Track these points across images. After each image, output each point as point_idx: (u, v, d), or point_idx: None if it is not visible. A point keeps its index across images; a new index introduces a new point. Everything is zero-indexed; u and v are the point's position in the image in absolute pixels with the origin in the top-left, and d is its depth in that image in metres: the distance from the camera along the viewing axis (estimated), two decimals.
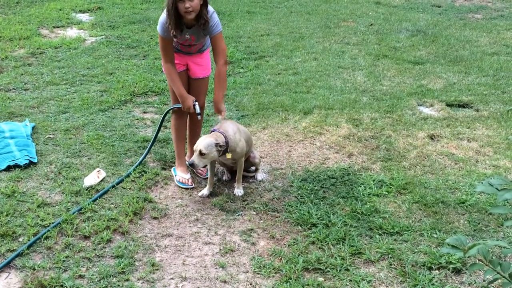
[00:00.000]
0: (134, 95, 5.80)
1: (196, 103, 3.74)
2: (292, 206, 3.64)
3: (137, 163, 4.11)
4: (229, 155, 3.61)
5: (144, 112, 5.42)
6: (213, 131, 3.63)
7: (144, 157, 4.17)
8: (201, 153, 3.46)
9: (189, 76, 3.81)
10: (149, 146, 4.20)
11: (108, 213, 3.49)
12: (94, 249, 3.15)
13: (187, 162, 4.16)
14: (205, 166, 3.68)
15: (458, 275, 3.00)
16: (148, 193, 3.80)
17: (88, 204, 3.55)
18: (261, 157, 4.37)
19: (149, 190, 3.87)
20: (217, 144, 3.48)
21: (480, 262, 1.76)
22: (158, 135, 4.31)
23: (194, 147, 3.53)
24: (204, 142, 3.49)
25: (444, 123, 5.01)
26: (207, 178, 3.91)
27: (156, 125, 4.96)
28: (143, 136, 4.74)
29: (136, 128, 5.01)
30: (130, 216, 3.47)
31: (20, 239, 3.21)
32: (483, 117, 5.15)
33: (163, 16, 3.52)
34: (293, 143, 4.70)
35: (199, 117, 3.81)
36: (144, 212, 3.56)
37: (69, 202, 3.59)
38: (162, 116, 4.08)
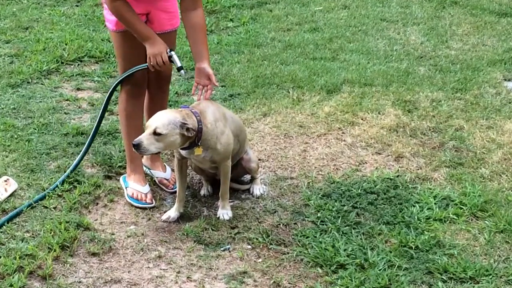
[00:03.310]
0: (62, 63, 5.78)
1: (173, 52, 3.77)
2: (307, 237, 3.63)
3: (68, 170, 4.10)
4: (198, 151, 3.62)
5: (78, 89, 5.40)
6: (182, 108, 3.65)
7: (80, 160, 4.17)
8: (155, 132, 3.47)
9: None
10: (87, 143, 4.20)
11: (22, 246, 3.47)
12: None
13: (145, 169, 4.19)
14: (158, 153, 3.66)
15: None
16: (83, 216, 3.79)
17: None
18: (259, 160, 4.35)
19: (85, 210, 3.86)
20: (183, 125, 3.49)
21: None
22: (101, 125, 4.31)
23: (148, 122, 3.53)
24: (163, 116, 3.51)
25: None
26: (176, 192, 3.90)
27: (97, 110, 4.95)
28: (76, 126, 4.71)
29: (66, 113, 4.98)
30: (55, 251, 3.45)
31: None
32: None
33: None
34: (310, 139, 4.68)
35: (182, 72, 3.83)
36: (78, 245, 3.55)
37: None
38: (108, 94, 4.08)
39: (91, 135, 4.18)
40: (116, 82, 3.97)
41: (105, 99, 4.09)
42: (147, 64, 3.75)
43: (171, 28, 3.91)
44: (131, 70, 3.86)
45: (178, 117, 3.48)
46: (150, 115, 3.89)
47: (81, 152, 4.18)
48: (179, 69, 3.80)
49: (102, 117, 4.15)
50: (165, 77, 4.02)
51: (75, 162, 4.16)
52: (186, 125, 3.48)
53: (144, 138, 3.46)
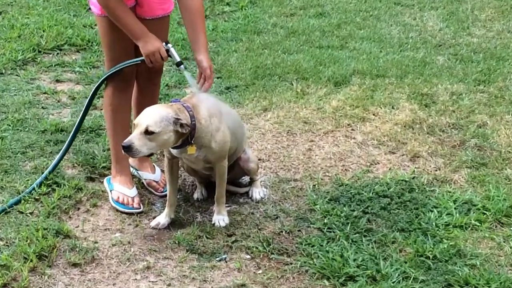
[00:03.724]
0: (39, 51, 5.77)
1: (170, 45, 3.77)
2: (313, 245, 3.63)
3: (46, 171, 4.10)
4: (191, 149, 3.61)
5: (57, 81, 5.39)
6: (173, 102, 3.65)
7: (59, 160, 4.16)
8: (147, 131, 3.46)
9: (139, 17, 3.81)
10: (67, 141, 4.18)
11: None
12: None
13: (132, 170, 4.17)
14: (150, 155, 3.66)
15: None
16: (63, 222, 3.78)
17: None
18: (259, 160, 4.35)
19: (65, 216, 3.86)
20: (177, 120, 3.48)
21: None
22: (83, 121, 4.30)
23: (136, 120, 3.52)
24: (154, 113, 3.49)
25: None
26: (166, 195, 3.90)
27: (78, 104, 4.94)
28: (55, 122, 4.71)
29: (44, 108, 4.98)
30: (32, 261, 3.44)
31: None
32: None
33: None
34: (316, 136, 4.68)
35: (182, 67, 3.82)
36: (57, 255, 3.54)
37: None
38: (93, 89, 4.05)
39: (72, 132, 4.16)
40: (105, 77, 3.95)
41: (90, 94, 4.07)
42: (142, 58, 3.74)
43: (163, 13, 3.89)
44: (123, 64, 3.83)
45: (170, 113, 3.47)
46: (139, 110, 3.88)
47: (61, 151, 4.16)
48: (178, 64, 3.79)
49: (85, 112, 4.13)
50: (156, 68, 4.00)
51: (53, 162, 4.14)
52: (180, 120, 3.46)
53: (135, 138, 3.43)
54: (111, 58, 3.90)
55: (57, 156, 4.16)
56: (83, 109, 4.11)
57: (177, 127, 3.46)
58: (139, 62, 3.79)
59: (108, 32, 3.83)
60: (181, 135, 3.52)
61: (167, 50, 3.73)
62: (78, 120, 4.14)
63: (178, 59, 3.78)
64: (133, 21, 3.68)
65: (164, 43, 3.73)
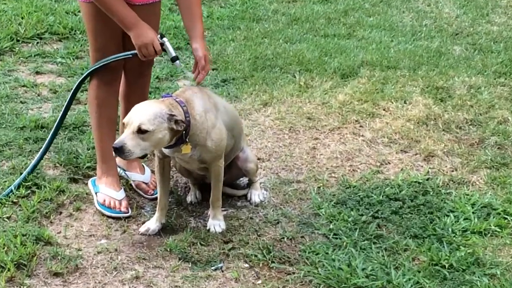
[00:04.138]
0: (17, 40, 5.76)
1: (165, 39, 3.77)
2: (317, 253, 3.64)
3: (25, 172, 4.10)
4: (186, 149, 3.61)
5: (37, 73, 5.39)
6: (164, 98, 3.65)
7: (39, 160, 4.16)
8: (140, 130, 3.46)
9: (128, 2, 3.80)
10: (48, 139, 4.18)
11: None
12: None
13: (120, 171, 4.18)
14: (143, 157, 3.65)
15: None
16: (43, 228, 3.78)
17: None
18: (259, 159, 4.36)
19: (46, 221, 3.86)
20: (171, 117, 3.48)
21: None
22: (66, 117, 4.30)
23: (126, 119, 3.50)
24: (146, 109, 3.49)
25: None
26: (156, 198, 3.91)
27: (60, 98, 4.94)
28: (34, 117, 4.72)
29: (22, 102, 4.98)
30: (9, 270, 3.44)
31: None
32: None
33: None
34: (321, 134, 4.70)
35: (178, 63, 3.82)
36: (37, 263, 3.53)
37: None
38: (78, 82, 4.05)
39: (53, 129, 4.16)
40: (90, 71, 3.95)
41: (73, 88, 4.07)
42: (134, 51, 3.74)
43: None
44: (112, 58, 3.83)
45: (163, 109, 3.47)
46: (128, 105, 3.88)
47: (41, 150, 4.16)
48: (173, 59, 3.79)
49: (67, 108, 4.14)
50: (146, 60, 4.00)
51: (33, 162, 4.14)
52: (175, 117, 3.47)
53: (127, 138, 3.42)
54: (96, 47, 3.90)
55: (37, 156, 4.16)
56: (65, 104, 4.11)
57: (171, 124, 3.46)
58: (130, 56, 3.79)
59: (93, 19, 3.82)
60: (176, 133, 3.53)
61: (162, 44, 3.74)
62: (60, 116, 4.14)
63: (174, 54, 3.78)
64: (125, 8, 3.68)
65: (159, 36, 3.74)
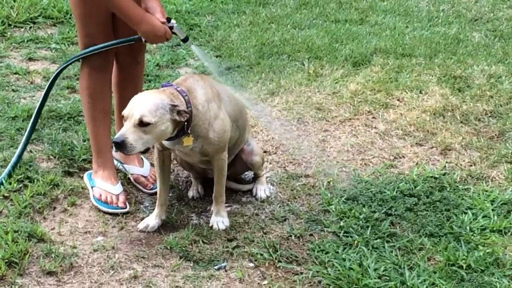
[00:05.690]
0: (9, 25, 5.76)
1: (173, 21, 3.78)
2: (327, 252, 3.63)
3: (9, 166, 4.09)
4: (188, 140, 3.60)
5: (30, 59, 5.39)
6: (164, 87, 3.64)
7: (22, 151, 4.16)
8: (142, 122, 3.44)
9: None
10: (28, 128, 4.19)
11: None
12: None
13: (117, 163, 4.18)
14: (145, 151, 3.66)
15: None
16: (36, 224, 3.78)
17: None
18: (265, 152, 4.35)
19: (39, 217, 3.85)
20: (173, 107, 3.47)
21: None
22: (44, 106, 4.32)
23: (126, 111, 3.50)
24: (147, 100, 3.48)
25: None
26: (156, 193, 3.90)
27: (57, 87, 4.90)
28: (27, 107, 4.72)
29: (14, 90, 4.99)
30: (0, 268, 3.43)
31: None
32: None
33: None
34: (331, 125, 4.69)
35: (189, 43, 3.87)
36: (29, 262, 3.53)
37: None
38: (58, 69, 4.06)
39: (33, 117, 4.18)
40: (79, 55, 3.94)
41: (54, 74, 4.10)
42: (137, 36, 3.77)
43: None
44: (114, 43, 3.84)
45: (164, 99, 3.47)
46: (122, 95, 3.89)
47: (23, 140, 4.16)
48: (185, 40, 3.83)
49: (45, 98, 4.16)
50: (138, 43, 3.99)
51: (16, 153, 4.14)
52: (177, 107, 3.46)
53: (129, 132, 3.41)
54: (85, 33, 3.89)
55: (19, 147, 4.17)
56: (45, 91, 4.13)
57: (174, 116, 3.46)
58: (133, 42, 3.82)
59: (81, 3, 3.80)
60: (177, 124, 3.52)
61: (171, 28, 3.76)
62: (38, 105, 4.16)
63: (183, 35, 3.83)
64: (131, 3, 3.69)
65: (166, 20, 3.75)
